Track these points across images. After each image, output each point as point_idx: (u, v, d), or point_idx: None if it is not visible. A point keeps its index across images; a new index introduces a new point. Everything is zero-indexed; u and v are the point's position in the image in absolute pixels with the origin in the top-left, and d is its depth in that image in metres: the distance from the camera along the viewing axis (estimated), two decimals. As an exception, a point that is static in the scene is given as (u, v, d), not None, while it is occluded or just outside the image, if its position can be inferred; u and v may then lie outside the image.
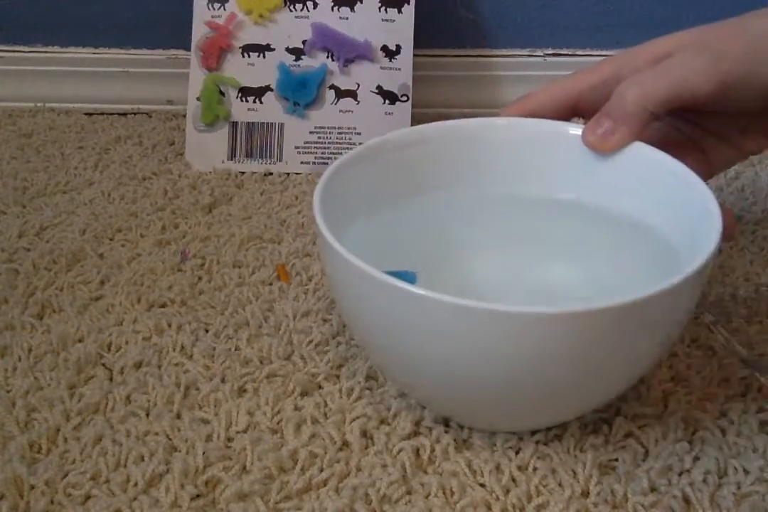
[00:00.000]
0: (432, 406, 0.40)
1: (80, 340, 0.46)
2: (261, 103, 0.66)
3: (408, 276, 0.43)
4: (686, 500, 0.37)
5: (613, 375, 0.37)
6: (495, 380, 0.35)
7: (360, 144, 0.44)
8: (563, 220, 0.46)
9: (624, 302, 0.32)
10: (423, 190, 0.45)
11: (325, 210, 0.38)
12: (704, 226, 0.37)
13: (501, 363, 0.34)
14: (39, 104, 0.76)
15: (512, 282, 0.46)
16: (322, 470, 0.38)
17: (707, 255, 0.34)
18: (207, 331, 0.47)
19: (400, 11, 0.65)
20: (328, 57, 0.66)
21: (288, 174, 0.65)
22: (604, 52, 0.73)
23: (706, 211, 0.37)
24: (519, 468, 0.38)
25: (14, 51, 0.76)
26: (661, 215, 0.41)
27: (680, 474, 0.38)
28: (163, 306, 0.49)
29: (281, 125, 0.66)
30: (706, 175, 0.43)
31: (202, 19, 0.66)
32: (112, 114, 0.76)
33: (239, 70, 0.66)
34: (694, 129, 0.45)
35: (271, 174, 0.65)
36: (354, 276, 0.35)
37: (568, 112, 0.44)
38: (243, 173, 0.65)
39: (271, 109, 0.66)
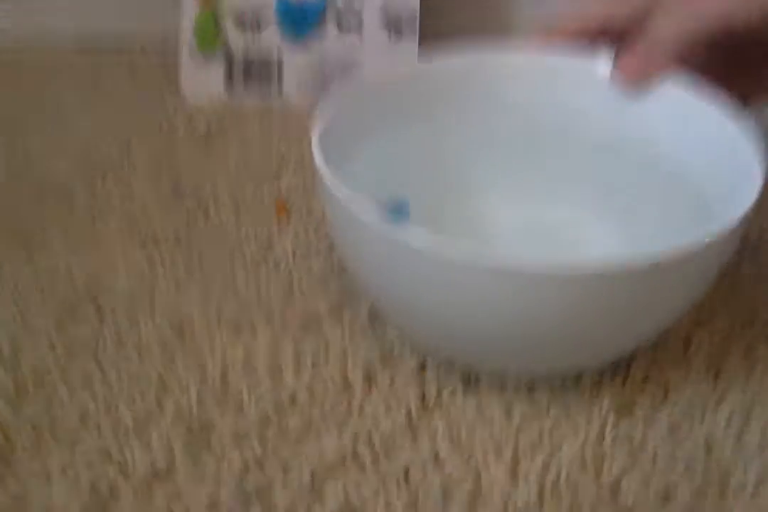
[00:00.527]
0: (436, 352, 0.38)
1: (70, 277, 0.44)
2: (259, 33, 0.62)
3: (402, 212, 0.40)
4: (708, 445, 0.35)
5: (637, 332, 0.34)
6: (506, 337, 0.32)
7: (362, 76, 0.41)
8: (587, 162, 0.43)
9: (652, 261, 0.29)
10: (430, 124, 0.42)
11: (324, 146, 0.35)
12: (744, 176, 0.34)
13: (512, 320, 0.31)
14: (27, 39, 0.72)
15: (526, 229, 0.44)
16: (322, 412, 0.36)
17: (745, 210, 0.31)
18: (202, 268, 0.45)
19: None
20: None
21: (287, 107, 0.62)
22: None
23: (748, 159, 0.34)
24: (531, 410, 0.36)
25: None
26: (697, 160, 0.38)
27: (702, 418, 0.36)
28: (157, 243, 0.47)
29: (280, 56, 0.62)
30: (747, 113, 0.40)
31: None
32: (103, 48, 0.72)
33: (236, -3, 0.62)
34: (734, 64, 0.41)
35: (269, 107, 0.62)
36: (352, 222, 0.32)
37: (596, 44, 0.40)
38: (240, 105, 0.62)
39: (269, 40, 0.62)
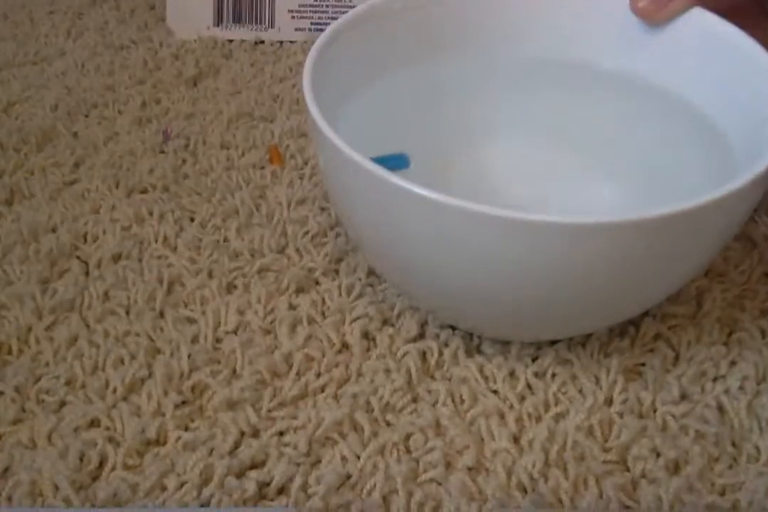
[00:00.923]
0: (437, 315, 0.36)
1: (53, 230, 0.42)
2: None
3: (401, 161, 0.38)
4: (721, 409, 0.33)
5: (650, 290, 0.32)
6: (511, 295, 0.30)
7: (359, 9, 0.38)
8: (600, 98, 0.40)
9: (669, 211, 0.27)
10: (431, 58, 0.39)
11: (316, 85, 0.32)
12: None
13: (517, 278, 0.29)
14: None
15: (533, 176, 0.41)
16: (319, 375, 0.34)
17: None
18: (192, 221, 0.43)
19: None
20: None
21: (281, 42, 0.58)
22: None
23: None
24: (536, 373, 0.34)
25: None
26: (719, 99, 0.35)
27: (715, 381, 0.34)
28: (144, 192, 0.45)
29: (273, -14, 0.58)
30: None
31: None
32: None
33: None
34: (761, 11, 0.38)
35: (262, 42, 0.58)
36: (345, 166, 0.30)
37: None
38: (231, 41, 0.58)
39: (261, -32, 0.58)
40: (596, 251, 0.28)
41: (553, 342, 0.35)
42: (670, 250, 0.29)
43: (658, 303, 0.36)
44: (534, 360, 0.35)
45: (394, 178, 0.28)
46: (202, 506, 0.30)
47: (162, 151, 0.47)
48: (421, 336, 0.36)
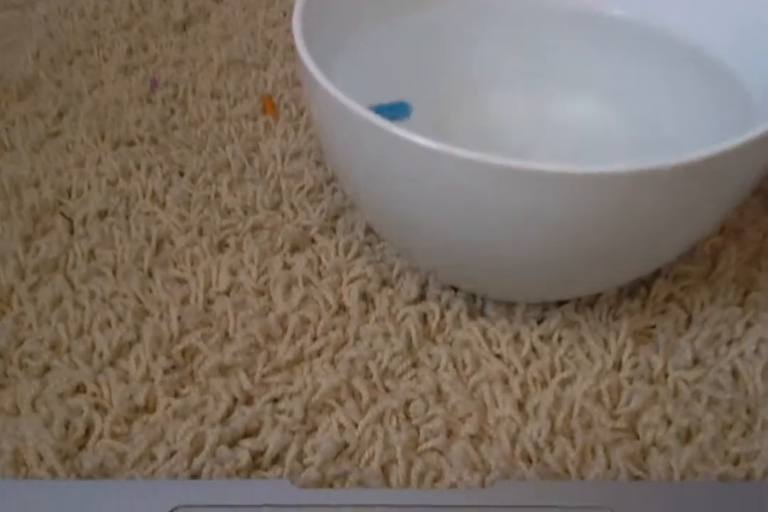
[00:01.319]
0: (438, 276, 0.34)
1: (35, 184, 0.40)
2: None
3: (401, 109, 0.35)
4: (735, 374, 0.32)
5: (661, 247, 0.30)
6: (514, 250, 0.28)
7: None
8: (609, 45, 0.37)
9: (683, 161, 0.25)
10: (430, 4, 0.37)
11: (308, 32, 0.30)
12: None
13: (524, 230, 0.27)
14: None
15: (539, 125, 0.39)
16: (315, 339, 0.33)
17: None
18: (182, 175, 0.40)
19: None
20: None
21: (275, -16, 0.55)
22: None
23: None
24: (541, 337, 0.33)
25: None
26: (735, 46, 0.33)
27: (729, 344, 0.33)
28: (131, 144, 0.42)
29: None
30: None
31: None
32: None
33: None
34: None
35: (255, -16, 0.55)
36: (340, 115, 0.27)
37: None
38: (222, -17, 0.55)
39: None
40: (608, 202, 0.26)
41: (560, 304, 0.34)
42: (685, 201, 0.27)
43: (671, 261, 0.34)
44: (540, 322, 0.33)
45: (392, 127, 0.26)
46: (192, 476, 0.28)
47: (149, 101, 0.45)
48: (421, 297, 0.34)
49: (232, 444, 0.29)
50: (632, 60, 0.38)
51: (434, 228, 0.29)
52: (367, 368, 0.32)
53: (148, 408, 0.31)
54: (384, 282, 0.35)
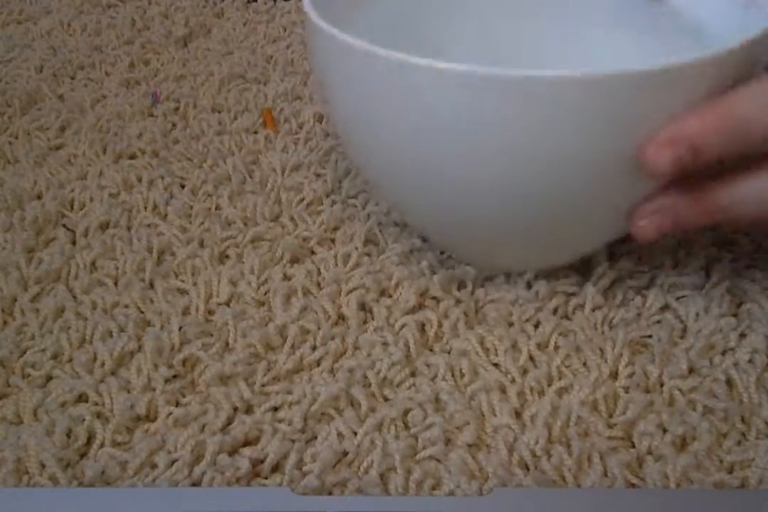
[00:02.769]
0: (427, 232, 0.35)
1: (38, 197, 0.41)
2: None
3: None
4: (730, 383, 0.32)
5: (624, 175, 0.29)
6: (501, 181, 0.29)
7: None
8: None
9: (675, 64, 0.25)
10: None
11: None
12: None
13: (514, 153, 0.28)
14: None
15: (546, 57, 0.39)
16: (314, 348, 0.33)
17: None
18: (183, 187, 0.41)
19: None
20: None
21: (275, 1, 0.56)
22: None
23: None
24: (538, 345, 0.33)
25: None
26: None
27: (723, 354, 0.33)
28: (133, 157, 0.43)
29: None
30: None
31: None
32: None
33: None
34: None
35: (255, 1, 0.56)
36: (336, 50, 0.28)
37: None
38: (223, 0, 0.56)
39: None
40: (613, 104, 0.26)
41: (556, 308, 0.34)
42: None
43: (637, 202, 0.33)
44: (536, 328, 0.34)
45: (392, 54, 0.27)
46: (193, 484, 0.29)
47: (151, 115, 0.46)
48: (420, 306, 0.35)
49: (233, 452, 0.30)
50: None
51: (418, 156, 0.30)
52: (365, 377, 0.32)
53: (150, 417, 0.31)
54: (382, 292, 0.35)
